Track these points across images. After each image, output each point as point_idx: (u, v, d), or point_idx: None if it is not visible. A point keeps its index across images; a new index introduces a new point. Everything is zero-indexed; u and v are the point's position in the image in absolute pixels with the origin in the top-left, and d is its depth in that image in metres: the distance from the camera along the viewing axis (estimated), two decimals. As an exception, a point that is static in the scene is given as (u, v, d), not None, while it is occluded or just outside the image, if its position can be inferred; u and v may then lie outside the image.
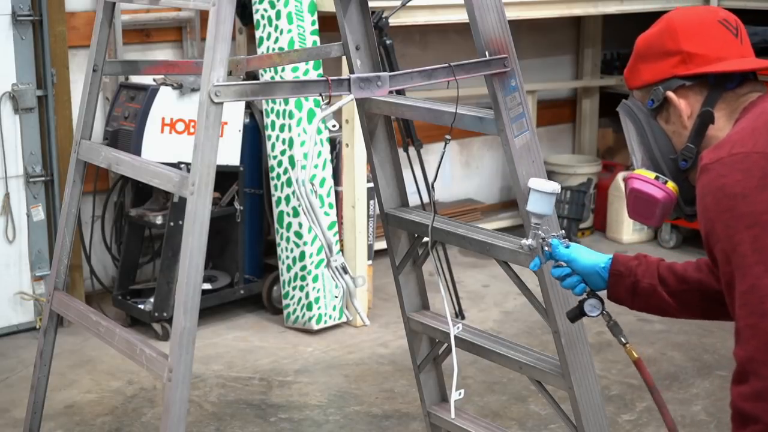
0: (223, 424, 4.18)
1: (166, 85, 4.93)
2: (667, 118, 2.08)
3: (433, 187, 2.84)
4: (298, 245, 5.07)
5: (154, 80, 4.97)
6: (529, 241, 2.41)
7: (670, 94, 2.05)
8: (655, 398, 2.43)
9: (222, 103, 2.38)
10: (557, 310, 2.66)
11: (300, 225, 5.05)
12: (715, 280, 2.18)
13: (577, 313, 2.43)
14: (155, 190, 5.11)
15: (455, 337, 2.87)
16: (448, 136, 2.60)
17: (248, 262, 5.30)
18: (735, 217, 1.80)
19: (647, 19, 8.79)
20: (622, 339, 2.42)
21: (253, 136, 5.23)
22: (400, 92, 3.35)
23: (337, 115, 5.12)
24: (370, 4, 2.94)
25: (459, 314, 5.00)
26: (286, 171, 5.05)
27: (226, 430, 4.14)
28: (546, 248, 2.38)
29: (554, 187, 2.40)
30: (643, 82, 2.11)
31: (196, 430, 4.11)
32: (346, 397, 4.45)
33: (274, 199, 5.16)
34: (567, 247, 2.38)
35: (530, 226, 2.41)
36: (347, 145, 5.12)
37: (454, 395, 2.80)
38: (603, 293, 2.42)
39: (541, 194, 2.39)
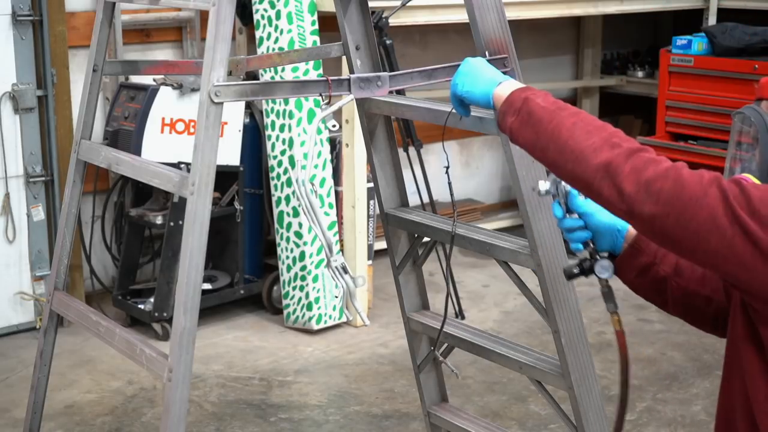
0: (223, 424, 4.18)
1: (166, 85, 4.93)
2: None
3: (451, 191, 2.79)
4: (298, 245, 5.07)
5: (154, 80, 4.97)
6: (546, 185, 2.20)
7: None
8: (623, 378, 2.21)
9: (222, 103, 2.38)
10: (557, 310, 2.65)
11: (300, 225, 5.05)
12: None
13: (577, 273, 2.23)
14: (155, 190, 5.12)
15: (455, 336, 2.87)
16: (446, 165, 2.61)
17: (248, 262, 5.30)
18: None
19: (647, 19, 8.72)
20: (612, 306, 2.23)
21: (253, 136, 5.23)
22: (400, 92, 3.35)
23: (337, 115, 5.12)
24: (370, 4, 2.94)
25: (459, 314, 5.00)
26: (286, 171, 5.05)
27: (226, 430, 4.14)
28: (561, 198, 2.18)
29: None
30: None
31: (196, 430, 4.11)
32: (346, 397, 4.45)
33: (274, 199, 5.16)
34: (585, 198, 2.19)
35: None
36: (347, 145, 5.12)
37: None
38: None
39: None
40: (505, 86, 2.11)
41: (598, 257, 2.20)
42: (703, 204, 1.68)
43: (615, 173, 1.77)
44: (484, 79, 2.19)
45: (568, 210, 2.21)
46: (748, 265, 1.68)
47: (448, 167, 2.75)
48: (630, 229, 2.18)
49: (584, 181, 1.83)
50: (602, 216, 2.19)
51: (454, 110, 2.42)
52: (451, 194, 2.72)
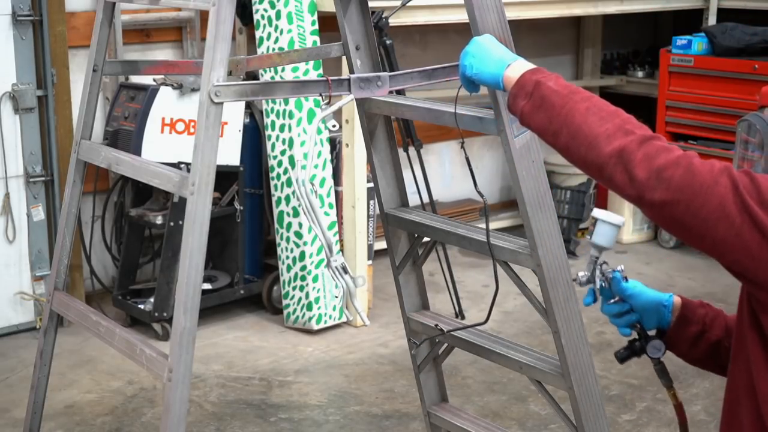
0: (223, 424, 4.18)
1: (166, 85, 4.93)
2: None
3: (476, 186, 2.75)
4: (298, 245, 5.07)
5: (154, 80, 4.97)
6: (587, 274, 2.18)
7: None
8: None
9: (222, 103, 2.38)
10: (557, 310, 2.65)
11: (300, 225, 5.05)
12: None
13: (629, 354, 2.26)
14: (155, 190, 5.12)
15: (455, 336, 2.87)
16: (461, 140, 2.58)
17: (248, 262, 5.30)
18: None
19: (647, 19, 8.69)
20: (667, 382, 2.32)
21: (253, 136, 5.23)
22: (400, 92, 3.35)
23: (337, 115, 5.12)
24: (370, 4, 2.94)
25: (459, 314, 5.00)
26: (286, 171, 5.05)
27: (226, 430, 4.14)
28: (604, 284, 2.17)
29: (621, 219, 2.20)
30: None
31: (196, 430, 4.11)
32: (346, 397, 4.45)
33: (274, 199, 5.16)
34: (626, 281, 2.19)
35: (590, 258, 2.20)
36: (347, 145, 5.12)
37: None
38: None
39: (609, 226, 2.17)
40: (515, 67, 2.09)
41: (647, 337, 2.22)
42: (713, 192, 1.70)
43: (627, 159, 1.78)
44: (492, 59, 2.18)
45: (611, 295, 2.18)
46: (755, 254, 1.69)
47: (463, 142, 2.71)
48: (675, 302, 2.19)
49: (596, 166, 1.84)
50: (647, 295, 2.19)
51: (456, 110, 2.43)
52: (481, 195, 2.66)
